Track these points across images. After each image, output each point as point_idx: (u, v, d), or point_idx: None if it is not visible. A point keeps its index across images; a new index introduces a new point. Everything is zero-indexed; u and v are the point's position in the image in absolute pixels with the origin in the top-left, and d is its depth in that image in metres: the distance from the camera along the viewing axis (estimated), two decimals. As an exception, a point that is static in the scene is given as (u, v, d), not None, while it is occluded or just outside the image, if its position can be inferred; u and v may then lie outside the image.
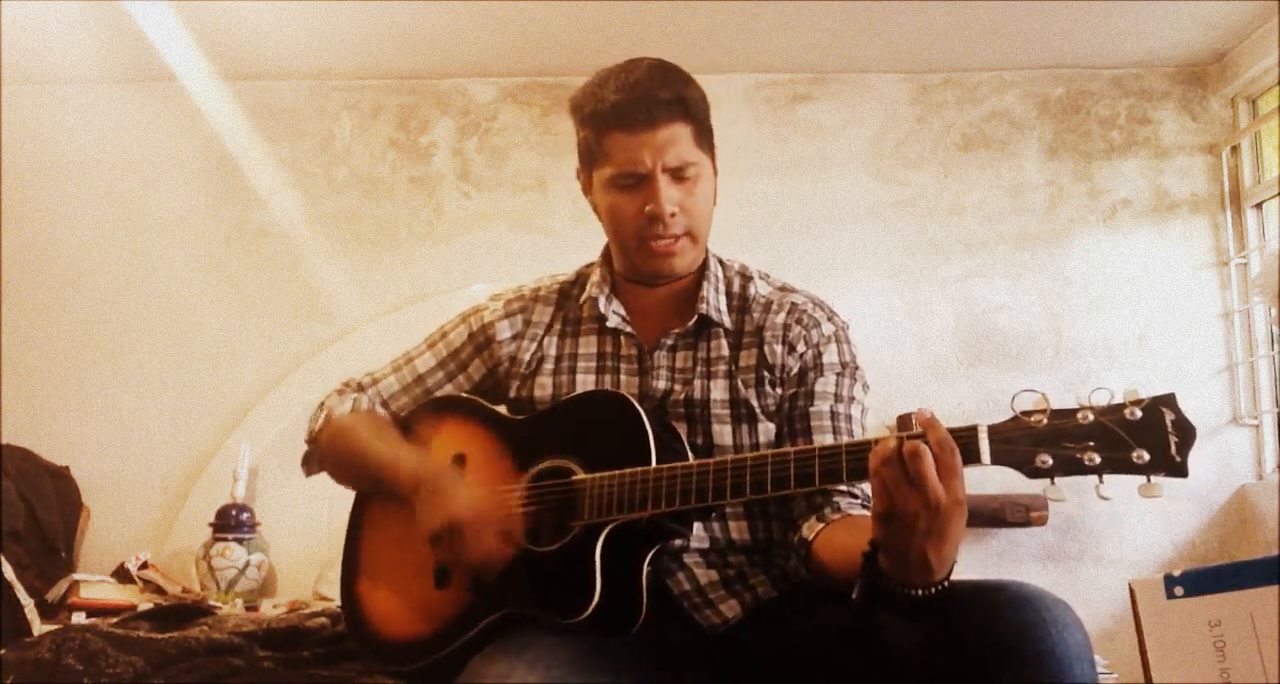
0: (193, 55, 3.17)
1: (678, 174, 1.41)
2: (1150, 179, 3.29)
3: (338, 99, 3.41)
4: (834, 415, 1.43)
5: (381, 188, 3.36)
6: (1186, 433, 1.04)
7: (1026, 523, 2.93)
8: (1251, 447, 3.11)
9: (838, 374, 1.46)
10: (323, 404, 1.58)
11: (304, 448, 1.60)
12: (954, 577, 1.10)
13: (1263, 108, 3.21)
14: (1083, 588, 3.01)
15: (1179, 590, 1.41)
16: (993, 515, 2.87)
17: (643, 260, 1.46)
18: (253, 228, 3.33)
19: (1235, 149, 3.25)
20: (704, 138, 1.45)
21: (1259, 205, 3.20)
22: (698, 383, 1.44)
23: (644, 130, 1.39)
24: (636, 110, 1.39)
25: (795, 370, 1.45)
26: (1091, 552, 3.06)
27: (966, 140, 3.34)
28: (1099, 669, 2.51)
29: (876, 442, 1.12)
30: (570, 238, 3.26)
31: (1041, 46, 3.21)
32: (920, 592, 1.08)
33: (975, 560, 3.00)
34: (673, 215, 1.41)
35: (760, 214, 3.23)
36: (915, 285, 3.26)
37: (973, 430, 1.08)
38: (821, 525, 1.34)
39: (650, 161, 1.39)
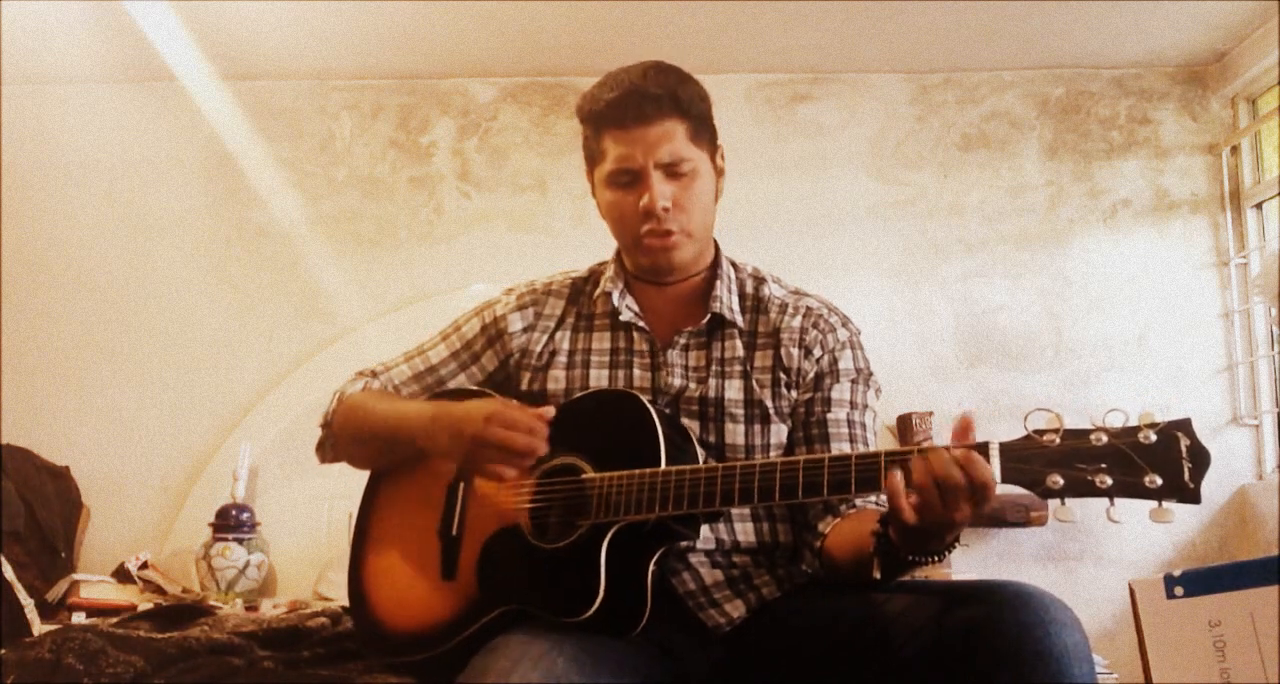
0: (193, 55, 3.17)
1: (671, 170, 1.43)
2: (1150, 179, 3.29)
3: (338, 99, 3.40)
4: (850, 423, 1.45)
5: (381, 188, 3.36)
6: (1200, 459, 1.03)
7: (1026, 523, 2.93)
8: (1251, 447, 3.11)
9: (853, 381, 1.47)
10: (336, 392, 1.60)
11: (317, 436, 1.61)
12: (955, 578, 1.11)
13: (1263, 108, 3.21)
14: (1083, 588, 3.01)
15: (1179, 590, 1.41)
16: (993, 515, 2.87)
17: (641, 256, 1.48)
18: (253, 228, 3.33)
19: (1235, 149, 3.25)
20: (701, 135, 1.46)
21: (1259, 205, 3.20)
22: (713, 381, 1.45)
23: (636, 127, 1.41)
24: (628, 107, 1.41)
25: (811, 375, 1.46)
26: (1091, 552, 3.06)
27: (966, 140, 3.34)
28: (1099, 669, 2.52)
29: (887, 454, 1.13)
30: (570, 238, 3.26)
31: (1041, 46, 3.21)
32: (931, 558, 1.15)
33: (975, 560, 3.00)
34: (666, 210, 1.42)
35: (760, 214, 3.23)
36: (915, 285, 3.26)
37: (984, 447, 1.08)
38: (836, 520, 1.37)
39: (642, 158, 1.41)
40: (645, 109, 1.41)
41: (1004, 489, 1.08)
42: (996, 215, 3.30)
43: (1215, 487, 3.06)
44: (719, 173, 1.52)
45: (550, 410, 1.30)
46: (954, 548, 1.15)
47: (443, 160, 3.37)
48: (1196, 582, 1.41)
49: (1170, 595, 1.42)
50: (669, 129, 1.42)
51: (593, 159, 1.50)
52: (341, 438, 1.56)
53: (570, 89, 3.36)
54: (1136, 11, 2.99)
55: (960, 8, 2.97)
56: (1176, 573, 1.43)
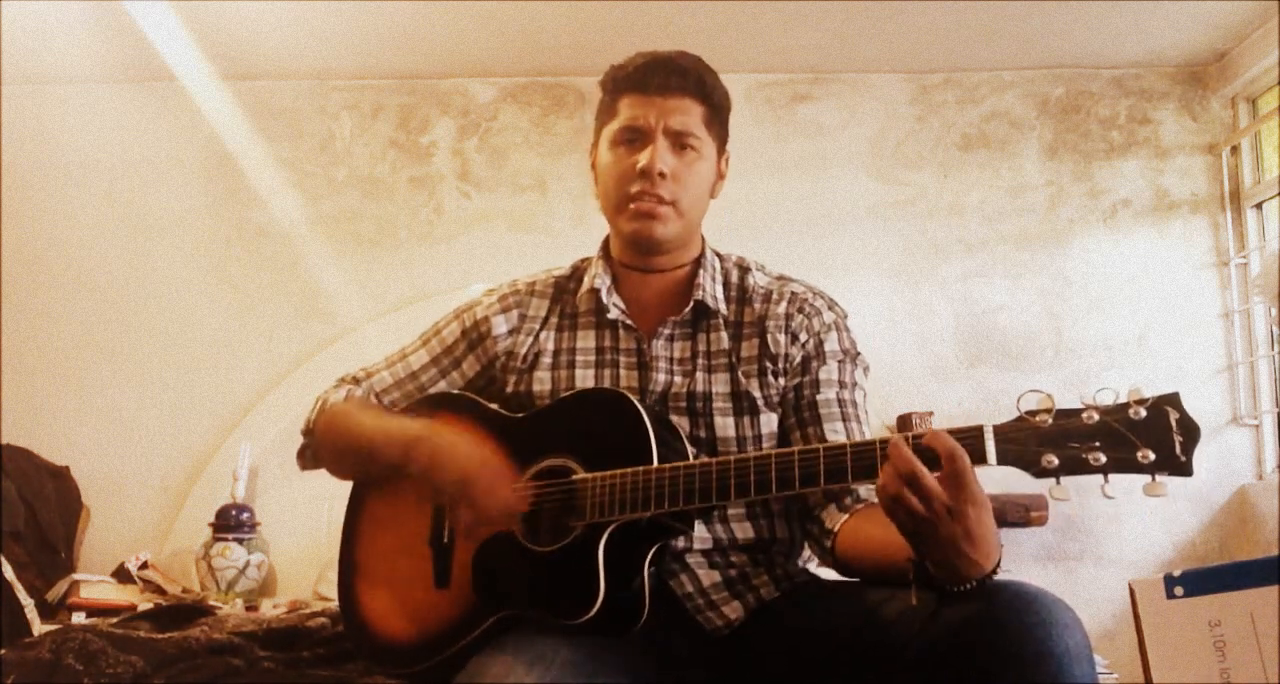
0: (193, 55, 3.17)
1: (679, 140, 1.44)
2: (1150, 179, 3.29)
3: (338, 99, 3.41)
4: (841, 403, 1.44)
5: (381, 188, 3.36)
6: (1191, 432, 1.04)
7: (1026, 523, 2.93)
8: (1251, 447, 3.11)
9: (840, 361, 1.46)
10: (318, 398, 1.57)
11: (300, 441, 1.59)
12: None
13: (1263, 108, 3.21)
14: (1083, 588, 3.01)
15: (1179, 590, 1.41)
16: (993, 515, 2.86)
17: (626, 223, 1.46)
18: (253, 228, 3.33)
19: (1235, 149, 3.25)
20: (714, 126, 1.49)
21: (1259, 205, 3.20)
22: (699, 375, 1.44)
23: (656, 95, 1.44)
24: (654, 75, 1.45)
25: (798, 359, 1.45)
26: (1091, 552, 3.06)
27: (966, 140, 3.34)
28: (1099, 669, 2.51)
29: (882, 442, 1.12)
30: (570, 238, 3.26)
31: (1041, 46, 3.21)
32: (972, 584, 1.10)
33: (975, 560, 3.00)
34: (661, 176, 1.42)
35: (760, 214, 3.24)
36: (915, 285, 3.26)
37: (978, 431, 1.08)
38: (845, 516, 1.35)
39: (654, 120, 1.43)
40: (671, 80, 1.44)
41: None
42: (996, 215, 3.30)
43: (1215, 487, 3.07)
44: (720, 175, 1.53)
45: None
46: (996, 571, 1.11)
47: (443, 160, 3.37)
48: (1196, 582, 1.41)
49: (1170, 595, 1.42)
50: (687, 105, 1.45)
51: (602, 121, 1.51)
52: (322, 447, 1.53)
53: (570, 89, 3.37)
54: (1136, 11, 2.99)
55: (960, 8, 2.97)
56: (1176, 573, 1.43)
